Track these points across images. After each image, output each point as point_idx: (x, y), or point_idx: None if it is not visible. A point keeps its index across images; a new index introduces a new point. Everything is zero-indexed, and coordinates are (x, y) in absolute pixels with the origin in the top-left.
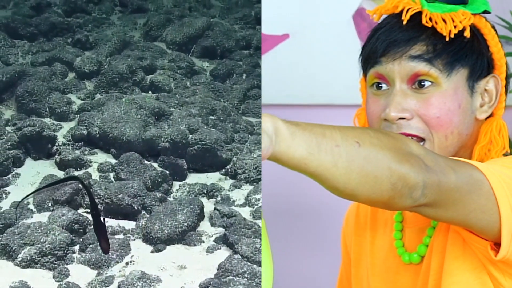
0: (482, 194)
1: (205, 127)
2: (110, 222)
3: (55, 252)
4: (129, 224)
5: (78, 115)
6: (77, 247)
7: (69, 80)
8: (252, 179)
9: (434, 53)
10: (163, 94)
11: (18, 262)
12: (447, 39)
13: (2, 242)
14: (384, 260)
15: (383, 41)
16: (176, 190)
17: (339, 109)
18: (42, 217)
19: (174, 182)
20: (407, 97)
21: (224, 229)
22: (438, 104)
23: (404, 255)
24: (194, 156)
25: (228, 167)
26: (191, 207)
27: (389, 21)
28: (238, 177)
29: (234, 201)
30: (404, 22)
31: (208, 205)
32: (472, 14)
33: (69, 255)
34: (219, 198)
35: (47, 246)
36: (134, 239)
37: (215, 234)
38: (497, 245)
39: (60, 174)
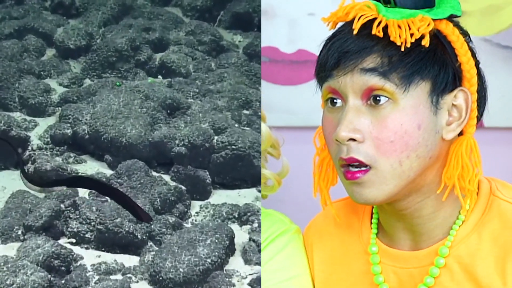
0: None
1: (236, 125)
2: (104, 257)
3: None
4: (130, 260)
5: (60, 108)
6: None
7: (47, 60)
8: None
9: (389, 65)
10: (178, 80)
11: None
12: (402, 49)
13: None
14: None
15: (334, 52)
16: (196, 213)
17: None
18: (8, 250)
19: (193, 201)
20: (361, 115)
21: None
22: (394, 127)
23: None
24: (221, 165)
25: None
26: (217, 236)
27: (343, 29)
28: None
29: None
30: (355, 32)
31: (241, 234)
32: (436, 19)
33: None
34: (255, 225)
35: None
36: (137, 281)
37: (250, 275)
38: None
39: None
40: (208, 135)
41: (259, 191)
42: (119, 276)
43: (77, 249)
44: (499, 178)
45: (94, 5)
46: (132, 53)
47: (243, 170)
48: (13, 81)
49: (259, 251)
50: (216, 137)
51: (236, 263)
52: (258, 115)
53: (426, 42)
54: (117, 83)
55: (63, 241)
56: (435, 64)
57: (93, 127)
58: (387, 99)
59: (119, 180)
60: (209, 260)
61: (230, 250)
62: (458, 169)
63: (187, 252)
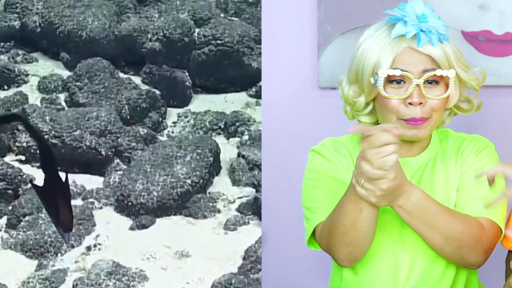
0: None
1: (222, 14)
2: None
3: None
4: (92, 182)
5: None
6: (3, 220)
7: None
8: None
9: None
10: None
11: None
12: None
13: None
14: None
15: None
16: (173, 123)
17: None
18: None
19: (169, 109)
20: None
21: (255, 190)
22: None
23: None
24: (204, 64)
25: (262, 83)
26: (199, 152)
27: None
28: None
29: None
30: None
31: (228, 149)
32: None
33: None
34: (246, 137)
35: None
36: (101, 207)
37: (239, 198)
38: None
39: None
40: (187, 27)
41: (250, 95)
42: (78, 201)
43: (27, 168)
44: None
45: None
46: None
47: (230, 70)
48: None
49: (250, 169)
50: (197, 30)
51: (222, 184)
52: (248, 2)
53: None
54: None
55: (9, 158)
56: None
57: (46, 18)
58: None
59: (78, 83)
60: (189, 181)
61: (214, 168)
62: None
63: (162, 171)
